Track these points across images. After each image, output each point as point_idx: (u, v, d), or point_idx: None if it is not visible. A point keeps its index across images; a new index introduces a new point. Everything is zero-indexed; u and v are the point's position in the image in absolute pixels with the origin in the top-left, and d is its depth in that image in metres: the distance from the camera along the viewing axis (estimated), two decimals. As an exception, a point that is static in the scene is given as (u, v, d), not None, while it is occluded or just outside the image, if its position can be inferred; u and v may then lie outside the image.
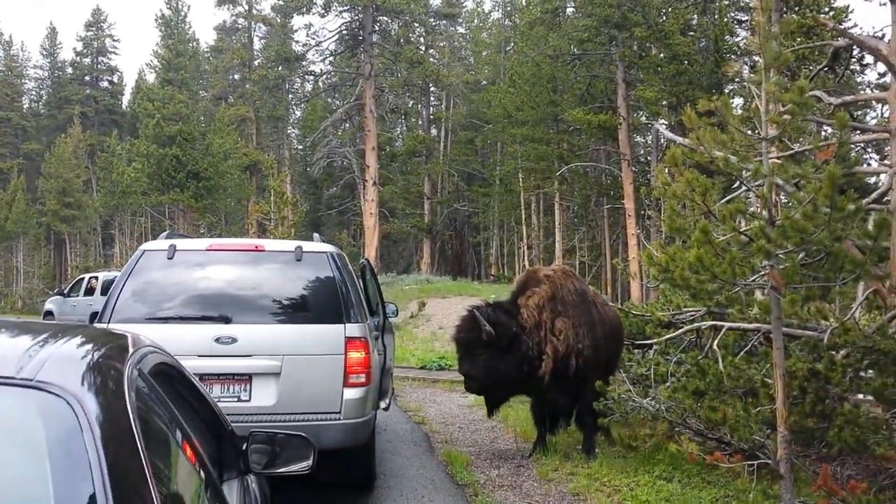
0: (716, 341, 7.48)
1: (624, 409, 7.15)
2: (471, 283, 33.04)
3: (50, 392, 1.35)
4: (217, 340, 5.50)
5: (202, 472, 1.81)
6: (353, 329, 5.67)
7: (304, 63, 41.65)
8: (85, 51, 63.44)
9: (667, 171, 6.31)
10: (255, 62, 47.90)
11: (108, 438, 1.29)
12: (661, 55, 27.04)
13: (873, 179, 10.19)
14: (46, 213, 51.16)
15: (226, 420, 2.61)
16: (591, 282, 33.76)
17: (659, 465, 7.04)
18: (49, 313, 21.76)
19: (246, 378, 5.54)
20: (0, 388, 1.37)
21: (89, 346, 1.63)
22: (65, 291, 22.16)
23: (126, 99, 63.32)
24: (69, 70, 64.84)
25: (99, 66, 64.18)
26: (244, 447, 2.62)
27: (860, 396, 6.44)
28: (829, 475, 5.45)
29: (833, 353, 6.35)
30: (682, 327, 8.49)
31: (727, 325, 7.74)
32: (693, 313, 8.63)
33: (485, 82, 46.90)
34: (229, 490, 2.50)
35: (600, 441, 8.06)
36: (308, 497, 6.04)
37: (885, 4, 7.96)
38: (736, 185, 8.80)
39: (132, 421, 1.40)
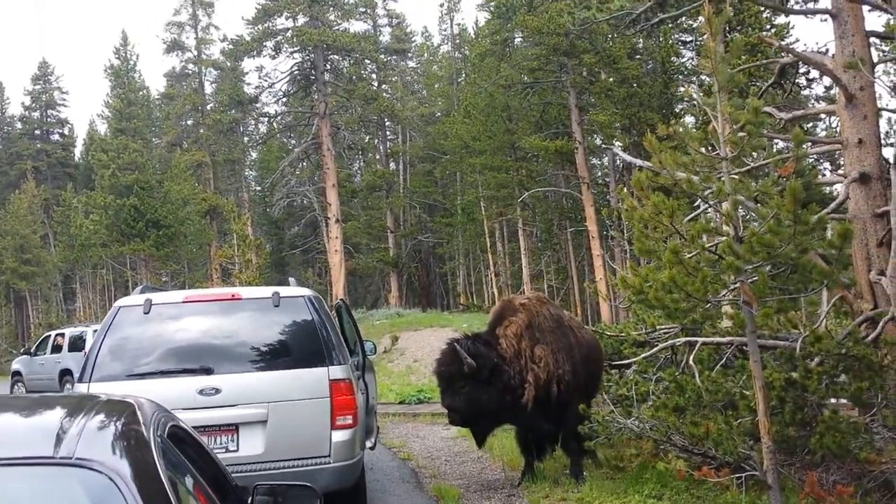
0: (691, 357, 7.60)
1: (608, 431, 7.21)
2: (441, 314, 33.04)
3: (91, 469, 1.38)
4: (201, 392, 5.47)
5: None
6: (336, 371, 5.68)
7: (257, 105, 41.62)
8: (33, 104, 62.58)
9: (632, 195, 6.46)
10: (208, 106, 47.68)
11: (149, 500, 1.33)
12: (611, 79, 27.62)
13: (828, 189, 10.49)
14: (5, 271, 50.08)
15: (230, 475, 2.62)
16: (560, 305, 33.97)
17: (647, 483, 7.10)
18: (17, 373, 21.28)
19: (233, 428, 5.51)
20: (41, 468, 1.39)
21: (111, 418, 1.65)
22: (31, 350, 21.70)
23: (79, 151, 62.53)
24: (18, 125, 63.85)
25: (49, 119, 63.35)
26: (249, 501, 2.63)
27: (835, 401, 6.59)
28: (816, 482, 5.56)
29: (807, 361, 6.51)
30: (656, 345, 8.62)
31: (701, 339, 7.88)
32: (667, 331, 8.77)
33: (439, 114, 47.29)
34: None
35: (587, 464, 8.11)
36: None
37: (826, 20, 8.27)
38: (697, 203, 9.02)
39: (165, 485, 1.44)
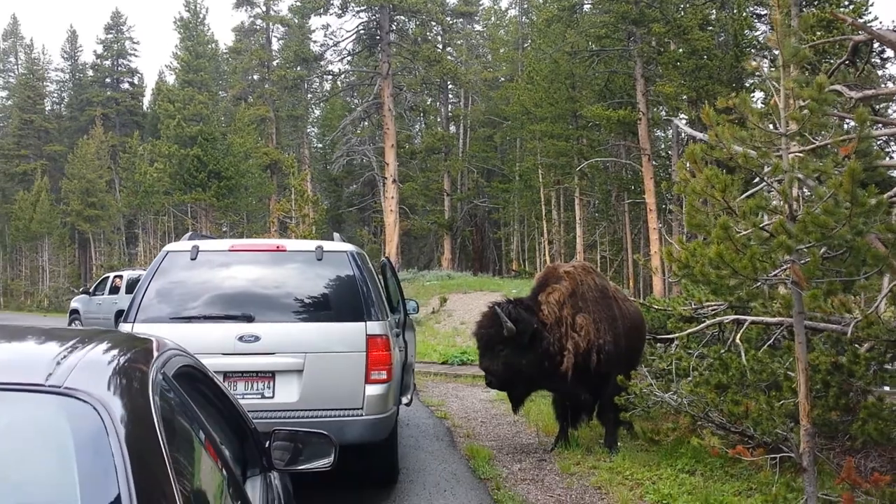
0: (738, 335, 7.44)
1: (646, 404, 7.15)
2: (492, 279, 33.05)
3: (77, 398, 1.40)
4: (240, 339, 5.58)
5: (224, 471, 1.86)
6: (374, 327, 5.72)
7: (322, 63, 41.77)
8: (105, 53, 64.06)
9: (687, 167, 6.30)
10: (274, 62, 48.09)
11: (132, 441, 1.34)
12: (680, 50, 26.85)
13: (895, 173, 10.08)
14: (70, 213, 51.87)
15: (249, 419, 2.66)
16: (612, 277, 33.65)
17: (681, 458, 7.05)
18: (75, 312, 22.02)
19: (269, 375, 5.61)
20: (30, 395, 1.42)
21: (115, 352, 1.68)
22: (90, 290, 22.41)
23: (147, 100, 63.88)
24: (90, 72, 65.52)
25: (119, 68, 64.79)
26: (267, 445, 2.67)
27: (887, 388, 6.40)
28: (853, 468, 5.43)
29: (856, 346, 6.32)
30: (704, 322, 8.46)
31: (750, 318, 7.70)
32: (715, 307, 8.60)
33: (503, 79, 46.82)
34: (252, 487, 2.56)
35: (623, 435, 8.07)
36: (333, 493, 6.12)
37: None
38: (756, 180, 8.76)
39: (156, 423, 1.44)
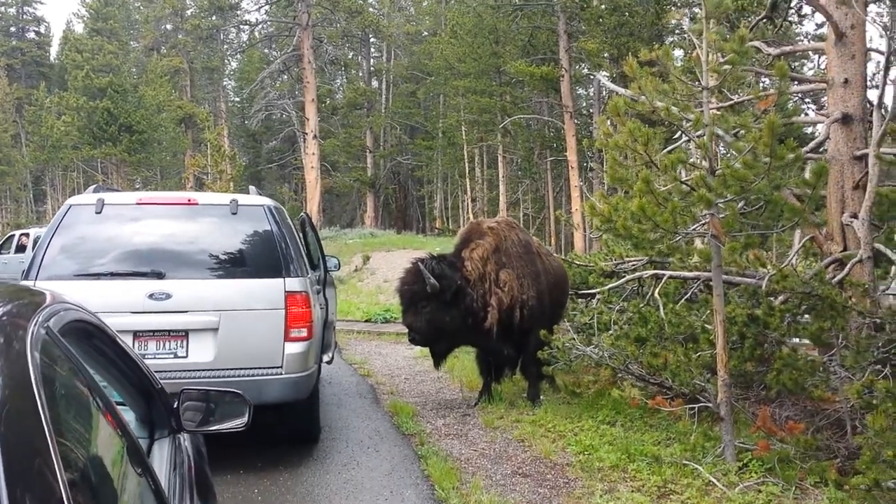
0: (657, 290, 7.56)
1: (568, 358, 7.20)
2: (416, 237, 32.94)
3: None
4: (150, 296, 5.32)
5: (124, 436, 1.68)
6: (293, 283, 5.54)
7: (238, 12, 40.37)
8: (9, 0, 60.38)
9: (609, 121, 6.28)
10: (188, 11, 46.20)
11: (4, 401, 1.17)
12: (603, 6, 26.92)
13: (810, 129, 10.34)
14: (-26, 169, 49.09)
15: (155, 378, 2.48)
16: (535, 233, 33.98)
17: (602, 410, 7.15)
18: (-18, 270, 20.93)
19: (182, 334, 5.38)
20: None
21: None
22: (-4, 248, 21.32)
23: (54, 50, 60.68)
24: (-7, 20, 61.75)
25: (24, 16, 61.26)
26: (175, 405, 2.51)
27: (797, 340, 6.59)
28: (769, 416, 5.59)
29: (771, 299, 6.48)
30: (624, 277, 8.57)
31: (668, 273, 7.83)
32: (635, 263, 8.71)
33: (426, 33, 46.23)
34: (160, 449, 2.40)
35: (545, 389, 8.14)
36: (253, 451, 5.97)
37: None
38: (677, 135, 8.84)
39: (33, 382, 1.27)
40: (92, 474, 1.41)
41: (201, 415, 2.58)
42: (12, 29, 61.07)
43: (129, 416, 2.70)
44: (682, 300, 7.76)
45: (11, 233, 22.10)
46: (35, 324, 1.42)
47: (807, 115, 12.91)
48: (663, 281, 7.80)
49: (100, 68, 37.58)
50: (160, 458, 2.33)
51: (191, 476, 2.32)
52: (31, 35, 61.74)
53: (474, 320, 7.33)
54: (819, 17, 10.89)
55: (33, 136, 46.19)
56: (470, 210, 37.69)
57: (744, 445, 5.60)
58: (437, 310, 7.21)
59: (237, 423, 2.55)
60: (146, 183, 40.90)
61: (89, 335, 2.02)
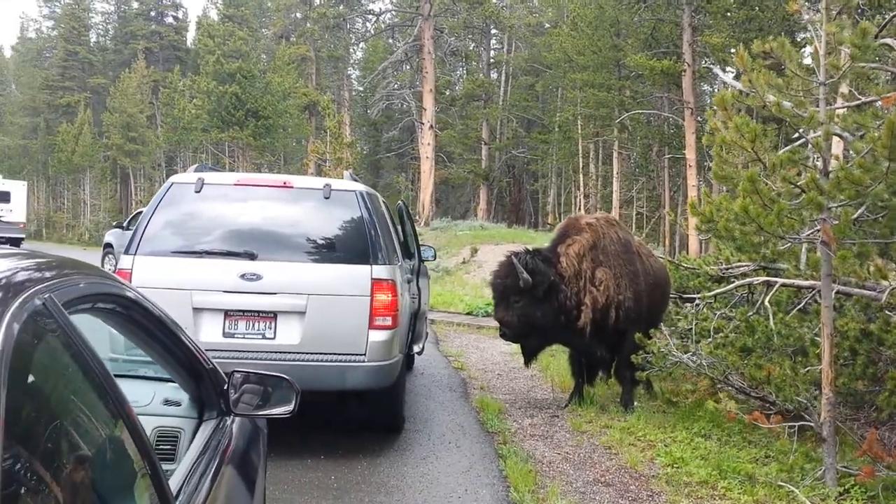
0: (768, 297, 7.11)
1: (663, 364, 6.89)
2: (526, 231, 32.66)
3: None
4: (242, 277, 5.42)
5: (121, 419, 1.61)
6: (380, 271, 5.52)
7: (363, 2, 41.13)
8: (151, -13, 63.91)
9: (717, 115, 5.93)
10: (317, 0, 47.50)
11: None
12: (731, 0, 25.80)
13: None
14: (112, 147, 52.31)
15: (206, 357, 2.47)
16: (649, 233, 33.11)
17: (699, 422, 6.80)
18: (109, 245, 22.15)
19: (271, 316, 5.46)
20: None
21: (17, 277, 1.46)
22: (124, 224, 22.52)
23: (190, 36, 63.78)
24: (135, 5, 65.50)
25: (164, 1, 64.63)
26: (225, 387, 2.50)
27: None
28: (876, 440, 5.15)
29: (889, 313, 5.97)
30: (732, 282, 8.13)
31: (780, 280, 7.35)
32: (745, 268, 8.25)
33: (547, 25, 45.68)
34: (203, 431, 2.39)
35: (641, 395, 7.84)
36: (336, 439, 6.01)
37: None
38: (795, 136, 8.30)
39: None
40: (63, 459, 1.35)
41: (258, 398, 2.56)
42: (153, 13, 64.57)
43: (180, 395, 2.72)
44: (795, 310, 7.28)
45: (139, 209, 23.31)
46: (27, 293, 1.37)
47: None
48: (776, 289, 7.34)
49: (230, 54, 39.12)
50: (200, 440, 2.31)
51: (221, 460, 2.28)
52: (169, 20, 65.09)
53: (567, 318, 7.12)
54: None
55: (167, 117, 48.75)
56: (582, 206, 37.02)
57: (847, 470, 5.19)
58: (529, 305, 7.04)
59: (284, 409, 2.52)
60: (270, 167, 42.37)
61: (126, 309, 2.00)
